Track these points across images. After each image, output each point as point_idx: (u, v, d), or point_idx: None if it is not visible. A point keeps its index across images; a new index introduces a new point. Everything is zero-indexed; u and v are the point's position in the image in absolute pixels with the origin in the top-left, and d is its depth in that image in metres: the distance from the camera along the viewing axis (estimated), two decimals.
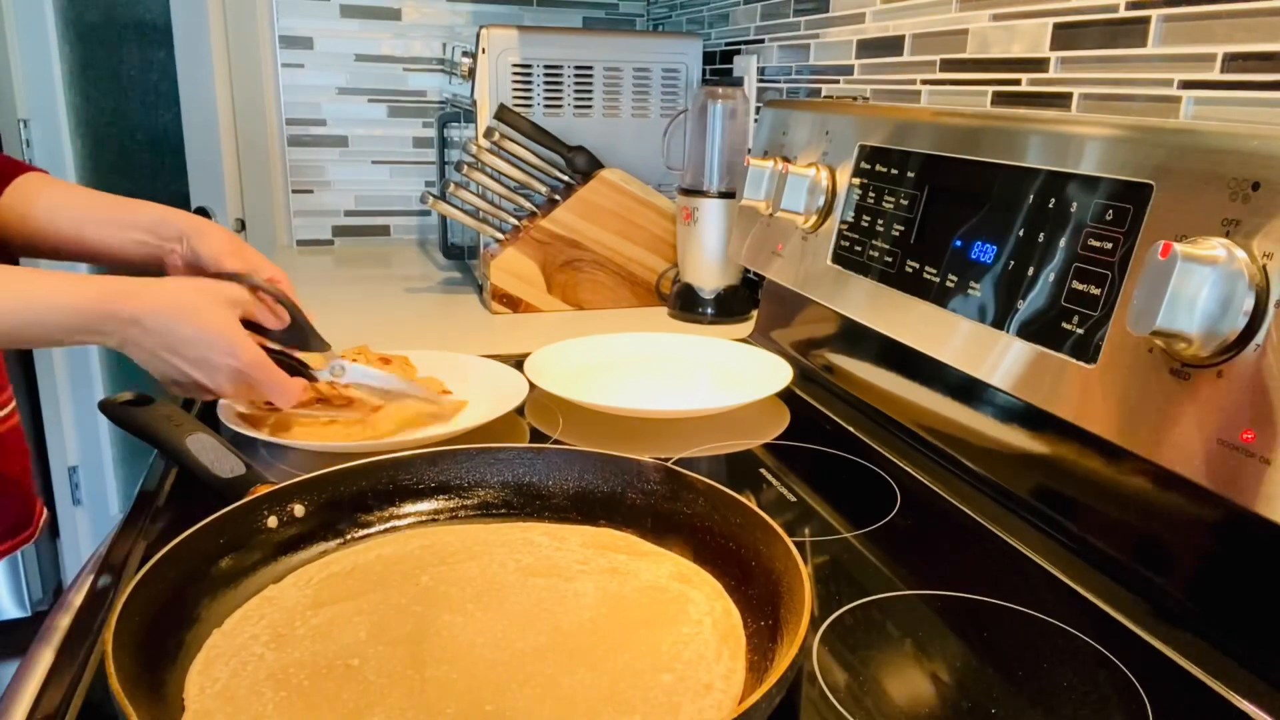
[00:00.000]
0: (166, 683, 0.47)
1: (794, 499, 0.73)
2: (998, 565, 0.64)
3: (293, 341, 0.76)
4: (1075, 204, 0.64)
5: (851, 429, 0.88)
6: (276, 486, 0.61)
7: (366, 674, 0.47)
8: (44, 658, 0.53)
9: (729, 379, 0.98)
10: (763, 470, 0.79)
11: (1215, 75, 0.67)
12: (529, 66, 1.35)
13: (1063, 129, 0.67)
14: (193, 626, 0.51)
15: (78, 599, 0.59)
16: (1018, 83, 0.86)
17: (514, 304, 1.27)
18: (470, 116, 1.38)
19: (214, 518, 0.56)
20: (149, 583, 0.49)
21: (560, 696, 0.46)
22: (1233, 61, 0.66)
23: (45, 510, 0.94)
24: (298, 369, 0.76)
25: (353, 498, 0.64)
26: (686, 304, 1.26)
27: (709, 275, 1.24)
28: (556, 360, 0.96)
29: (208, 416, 0.85)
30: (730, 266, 1.24)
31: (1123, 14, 0.75)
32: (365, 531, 0.63)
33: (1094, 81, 0.78)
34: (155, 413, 0.69)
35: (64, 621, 0.56)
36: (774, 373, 0.93)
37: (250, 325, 0.74)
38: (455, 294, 1.39)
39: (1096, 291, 0.61)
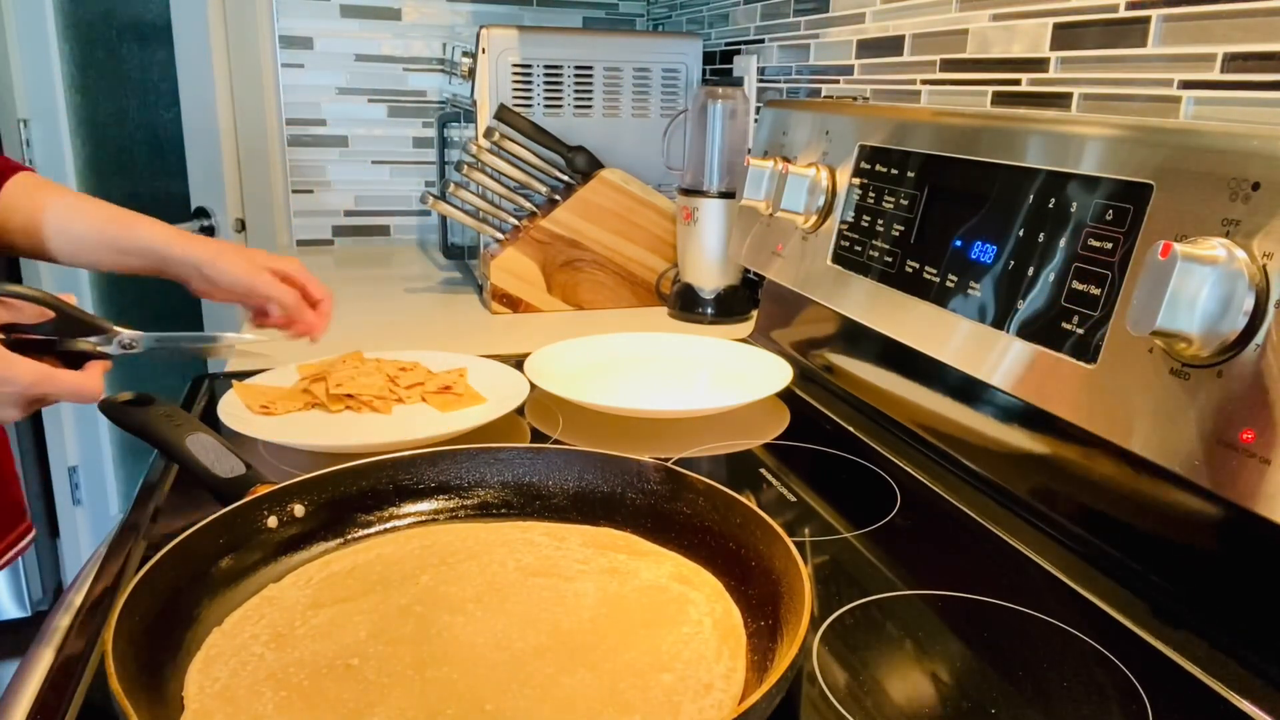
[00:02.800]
0: (166, 683, 0.47)
1: (794, 499, 0.73)
2: (998, 565, 0.64)
3: (69, 330, 0.69)
4: (1075, 204, 0.64)
5: (851, 429, 0.88)
6: (276, 486, 0.61)
7: (367, 674, 0.47)
8: (44, 658, 0.53)
9: (729, 379, 0.98)
10: (763, 470, 0.79)
11: (1215, 75, 0.67)
12: (529, 66, 1.35)
13: (1063, 129, 0.67)
14: (193, 626, 0.51)
15: (78, 599, 0.59)
16: (1018, 83, 0.86)
17: (514, 304, 1.27)
18: (470, 116, 1.38)
19: (214, 518, 0.56)
20: (149, 583, 0.49)
21: (560, 696, 0.46)
22: (1233, 61, 0.66)
23: (34, 530, 0.92)
24: (89, 353, 0.69)
25: (353, 498, 0.64)
26: (686, 304, 1.26)
27: (709, 275, 1.24)
28: (556, 360, 0.96)
29: (208, 416, 0.85)
30: (730, 266, 1.24)
31: (1123, 14, 0.75)
32: (365, 531, 0.63)
33: (1094, 81, 0.78)
34: (155, 413, 0.69)
35: (64, 621, 0.56)
36: (774, 373, 0.93)
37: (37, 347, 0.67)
38: (455, 294, 1.39)
39: (1096, 291, 0.61)
